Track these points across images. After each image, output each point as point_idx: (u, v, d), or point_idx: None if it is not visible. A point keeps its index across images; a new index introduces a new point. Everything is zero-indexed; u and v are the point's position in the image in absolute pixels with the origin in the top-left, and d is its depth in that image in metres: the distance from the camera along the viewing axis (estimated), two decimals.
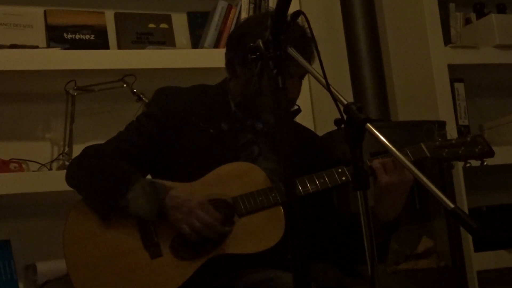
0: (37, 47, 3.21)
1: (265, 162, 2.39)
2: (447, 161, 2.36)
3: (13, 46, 3.13)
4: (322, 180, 2.26)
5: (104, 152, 2.39)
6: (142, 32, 3.46)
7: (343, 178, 2.26)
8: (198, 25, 3.57)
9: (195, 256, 2.22)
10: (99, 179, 2.33)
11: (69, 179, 2.43)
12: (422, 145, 2.32)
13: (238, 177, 2.29)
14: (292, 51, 1.84)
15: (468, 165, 2.37)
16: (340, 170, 2.27)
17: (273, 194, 2.24)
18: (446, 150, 2.33)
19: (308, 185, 2.25)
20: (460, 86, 3.76)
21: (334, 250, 2.41)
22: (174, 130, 2.39)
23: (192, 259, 2.22)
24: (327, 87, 1.79)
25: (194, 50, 3.49)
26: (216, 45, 3.40)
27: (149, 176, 2.47)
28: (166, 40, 3.49)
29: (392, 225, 2.29)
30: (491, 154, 2.36)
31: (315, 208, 2.35)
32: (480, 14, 4.00)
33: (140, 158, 2.39)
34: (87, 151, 2.46)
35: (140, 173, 2.31)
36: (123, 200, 2.23)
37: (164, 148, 2.39)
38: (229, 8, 3.45)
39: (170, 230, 2.25)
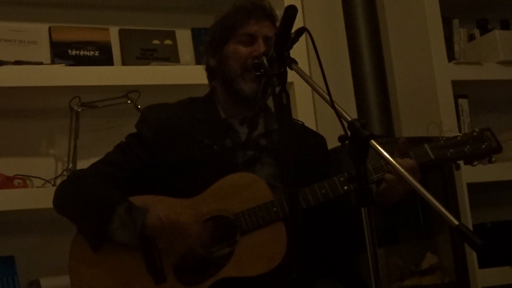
0: (41, 63, 3.22)
1: (266, 168, 2.38)
2: (452, 162, 2.26)
3: (18, 63, 3.13)
4: (324, 191, 2.23)
5: (89, 179, 2.38)
6: (146, 48, 3.47)
7: (345, 188, 2.23)
8: (202, 41, 3.57)
9: (199, 281, 2.21)
10: (83, 212, 2.33)
11: (57, 208, 2.42)
12: (426, 145, 2.25)
13: (240, 190, 2.27)
14: (296, 67, 1.84)
15: (475, 164, 2.25)
16: (342, 178, 2.23)
17: (275, 209, 2.22)
18: (451, 150, 2.24)
19: (310, 198, 2.23)
20: (464, 102, 3.76)
21: (337, 241, 2.37)
22: (167, 146, 2.38)
23: (196, 284, 2.21)
24: (331, 103, 1.79)
25: (198, 66, 3.46)
26: None
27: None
28: (170, 56, 3.49)
29: (398, 206, 2.24)
30: (498, 149, 2.25)
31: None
32: (484, 30, 4.00)
33: (128, 180, 2.39)
34: (72, 178, 2.46)
35: (123, 197, 2.29)
36: (107, 232, 2.24)
37: (159, 165, 2.38)
38: None
39: (173, 252, 2.24)
